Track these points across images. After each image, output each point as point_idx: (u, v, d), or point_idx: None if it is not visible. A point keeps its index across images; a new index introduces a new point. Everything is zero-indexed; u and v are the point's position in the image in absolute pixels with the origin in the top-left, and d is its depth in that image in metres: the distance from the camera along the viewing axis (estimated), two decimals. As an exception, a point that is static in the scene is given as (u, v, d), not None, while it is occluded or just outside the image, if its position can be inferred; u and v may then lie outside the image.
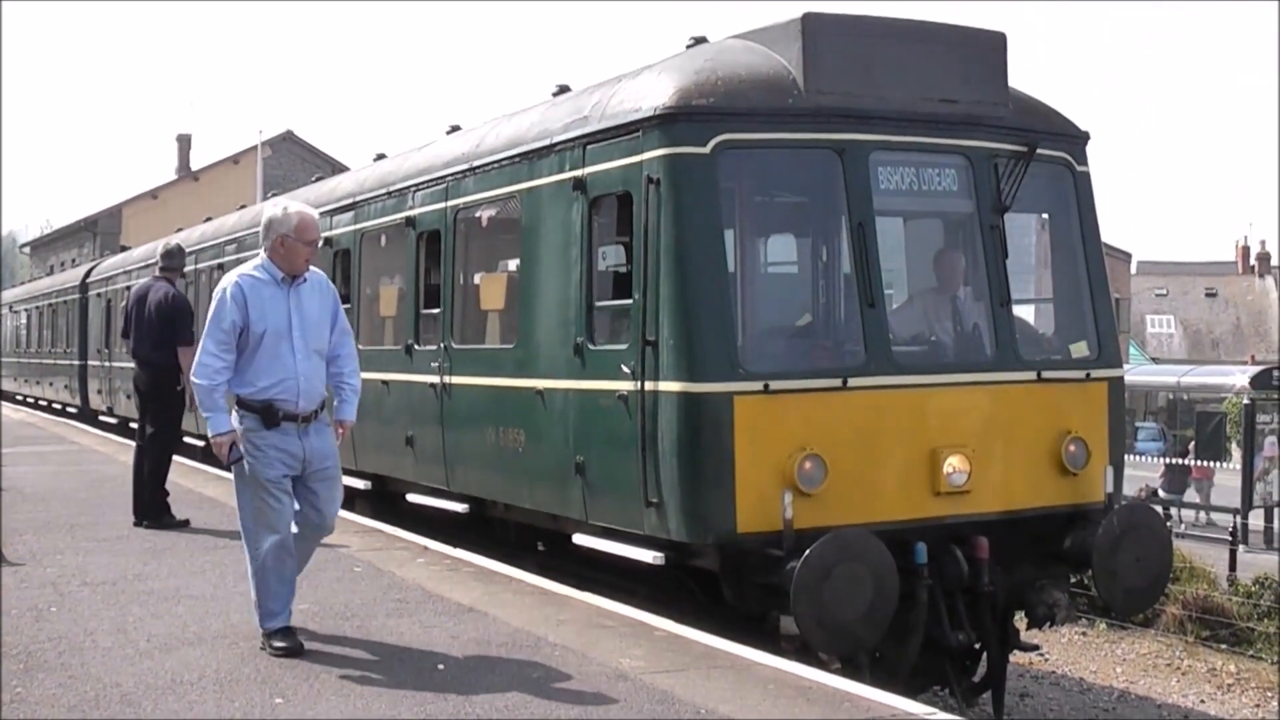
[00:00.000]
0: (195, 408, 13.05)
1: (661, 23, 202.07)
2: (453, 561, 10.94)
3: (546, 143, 10.42)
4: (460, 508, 12.02)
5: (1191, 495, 31.48)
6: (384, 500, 14.06)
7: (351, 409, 7.89)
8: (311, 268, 7.73)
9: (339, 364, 7.81)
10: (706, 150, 8.94)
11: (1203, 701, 15.35)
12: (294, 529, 7.65)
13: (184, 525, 12.64)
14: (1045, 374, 9.82)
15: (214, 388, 7.39)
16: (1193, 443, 33.80)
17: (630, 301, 9.28)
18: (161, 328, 12.77)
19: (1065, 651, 17.17)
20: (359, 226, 14.47)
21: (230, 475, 7.82)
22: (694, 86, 9.10)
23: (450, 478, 12.03)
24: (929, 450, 9.21)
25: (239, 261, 19.57)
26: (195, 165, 56.95)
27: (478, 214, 12.15)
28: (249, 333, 7.42)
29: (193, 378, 7.39)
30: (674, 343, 8.85)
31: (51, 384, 36.12)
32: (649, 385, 8.99)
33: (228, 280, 7.52)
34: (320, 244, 7.47)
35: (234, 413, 7.53)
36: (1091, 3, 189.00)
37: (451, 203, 12.15)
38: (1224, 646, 17.71)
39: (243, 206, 23.69)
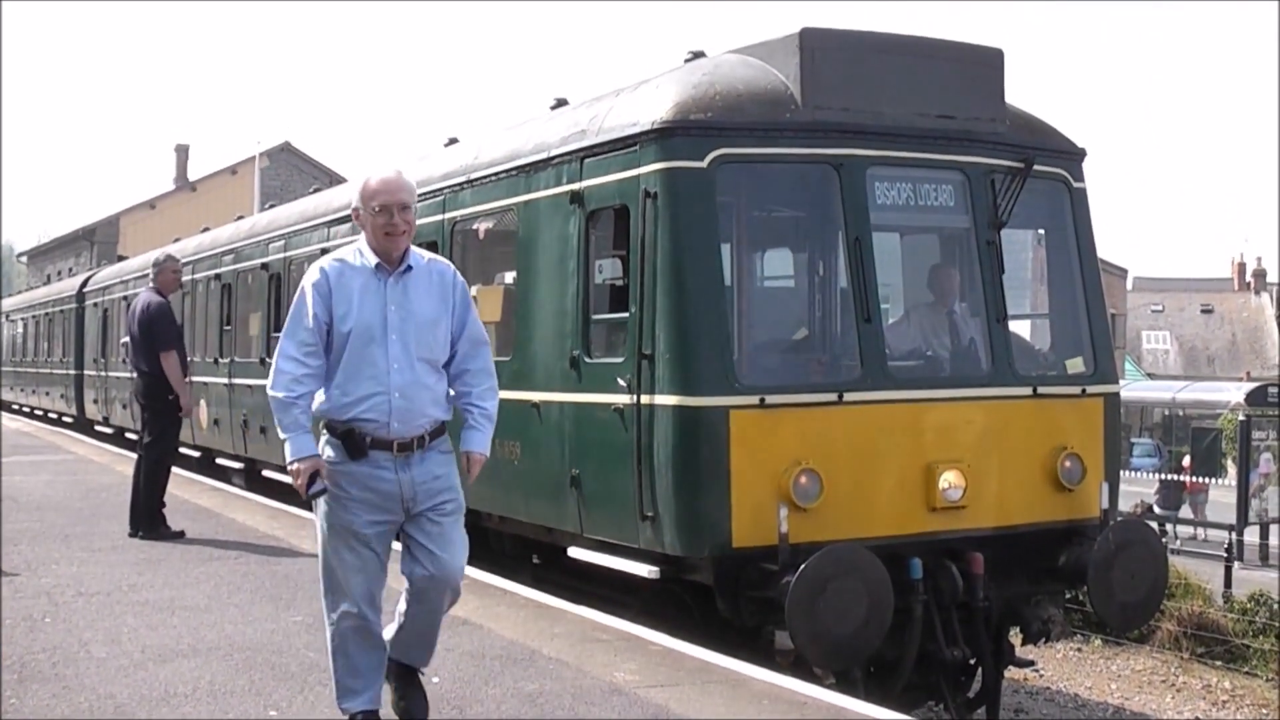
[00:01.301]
0: (188, 415, 13.20)
1: (659, 37, 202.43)
2: (448, 574, 10.91)
3: (544, 156, 10.44)
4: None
5: (1186, 512, 31.50)
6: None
7: (482, 438, 6.06)
8: (432, 255, 6.19)
9: (466, 381, 6.07)
10: (704, 164, 8.95)
11: (1198, 718, 15.34)
12: (406, 590, 6.13)
13: (179, 536, 12.63)
14: (1041, 389, 9.83)
15: (291, 401, 5.80)
16: (1188, 459, 33.82)
17: (627, 315, 9.29)
18: (143, 337, 12.81)
19: (1060, 667, 17.16)
20: (357, 238, 14.44)
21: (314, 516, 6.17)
22: (691, 101, 9.11)
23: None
24: (924, 465, 9.21)
25: (237, 273, 19.78)
26: (193, 175, 56.99)
27: (475, 226, 12.15)
28: (333, 332, 5.86)
29: (269, 389, 5.85)
30: (670, 356, 8.86)
31: (47, 393, 36.11)
32: (645, 399, 9.00)
33: (315, 266, 6.03)
34: (407, 210, 5.83)
35: (323, 441, 5.98)
36: (1089, 19, 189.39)
37: (449, 215, 12.16)
38: (1219, 663, 17.70)
39: (240, 217, 23.70)
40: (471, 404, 6.09)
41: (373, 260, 5.92)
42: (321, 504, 5.89)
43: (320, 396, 5.88)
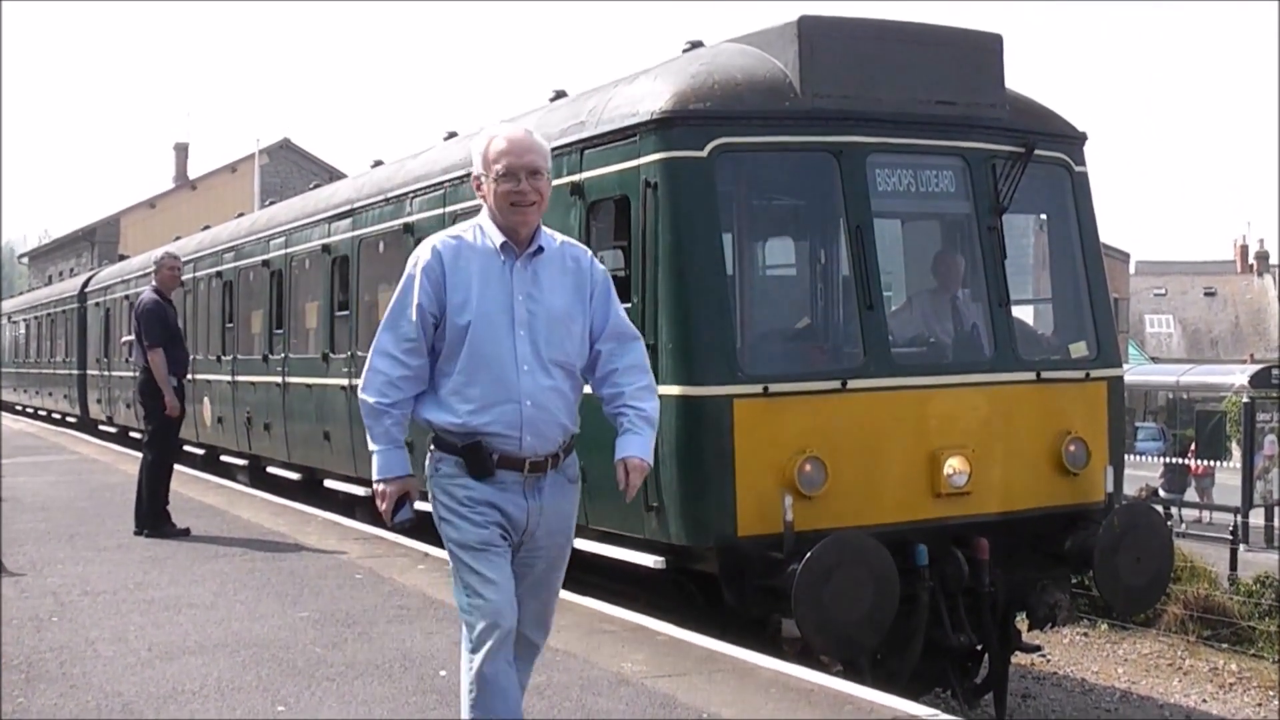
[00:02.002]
0: (172, 415, 13.18)
1: (657, 27, 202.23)
2: (453, 567, 10.92)
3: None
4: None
5: (1192, 494, 31.48)
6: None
7: (643, 443, 5.03)
8: (566, 237, 5.14)
9: (616, 381, 5.06)
10: (704, 154, 8.94)
11: (1205, 701, 15.34)
12: None
13: (185, 534, 12.64)
14: (1045, 374, 9.81)
15: (384, 409, 4.85)
16: (1193, 443, 33.81)
17: (629, 305, 9.25)
18: (137, 335, 12.88)
19: (1067, 652, 17.16)
20: (357, 233, 14.47)
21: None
22: (690, 90, 9.10)
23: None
24: (929, 451, 9.20)
25: (238, 271, 19.77)
26: (193, 174, 56.96)
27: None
28: (446, 324, 4.83)
29: (361, 394, 4.89)
30: (673, 346, 8.85)
31: (51, 394, 36.14)
32: (648, 389, 8.97)
33: (424, 246, 4.97)
34: (525, 175, 4.79)
35: (430, 457, 4.95)
36: (1089, 3, 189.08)
37: (450, 209, 12.14)
38: (1225, 646, 17.70)
39: (240, 214, 23.70)
40: (626, 406, 5.06)
41: (497, 239, 4.86)
42: (447, 528, 4.88)
43: (427, 403, 4.92)
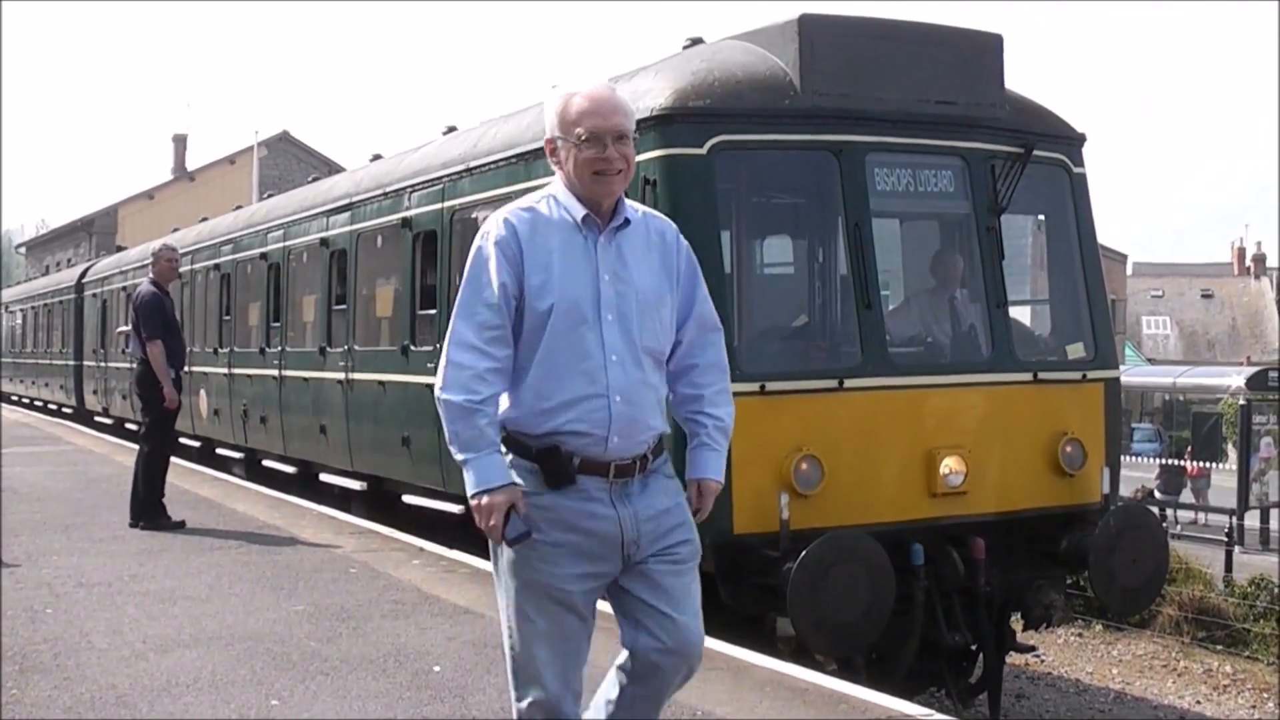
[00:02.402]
0: (171, 407, 13.20)
1: (658, 24, 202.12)
2: (449, 563, 10.94)
3: (543, 143, 10.39)
4: (456, 509, 12.00)
5: (1187, 496, 31.50)
6: (380, 501, 14.05)
7: (719, 460, 4.53)
8: (644, 207, 4.49)
9: (694, 380, 4.50)
10: (703, 151, 8.93)
11: (1199, 703, 15.35)
12: (622, 665, 4.43)
13: (180, 526, 12.64)
14: (1041, 375, 9.82)
15: (473, 407, 4.12)
16: (1189, 444, 33.83)
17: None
18: (134, 326, 12.89)
19: (1061, 653, 17.17)
20: (355, 227, 14.46)
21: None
22: (690, 88, 9.09)
23: (447, 479, 12.00)
24: (925, 451, 9.20)
25: (236, 263, 19.77)
26: (191, 166, 56.94)
27: (474, 215, 12.12)
28: (525, 310, 4.22)
29: (440, 393, 4.18)
30: (670, 344, 8.83)
31: (47, 384, 36.12)
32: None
33: (492, 220, 4.34)
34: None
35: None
36: (1089, 3, 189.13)
37: (448, 203, 12.14)
38: (1220, 647, 17.70)
39: (238, 207, 23.68)
40: (702, 413, 4.49)
41: (578, 211, 4.26)
42: (506, 552, 4.20)
43: (503, 401, 4.25)
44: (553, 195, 4.33)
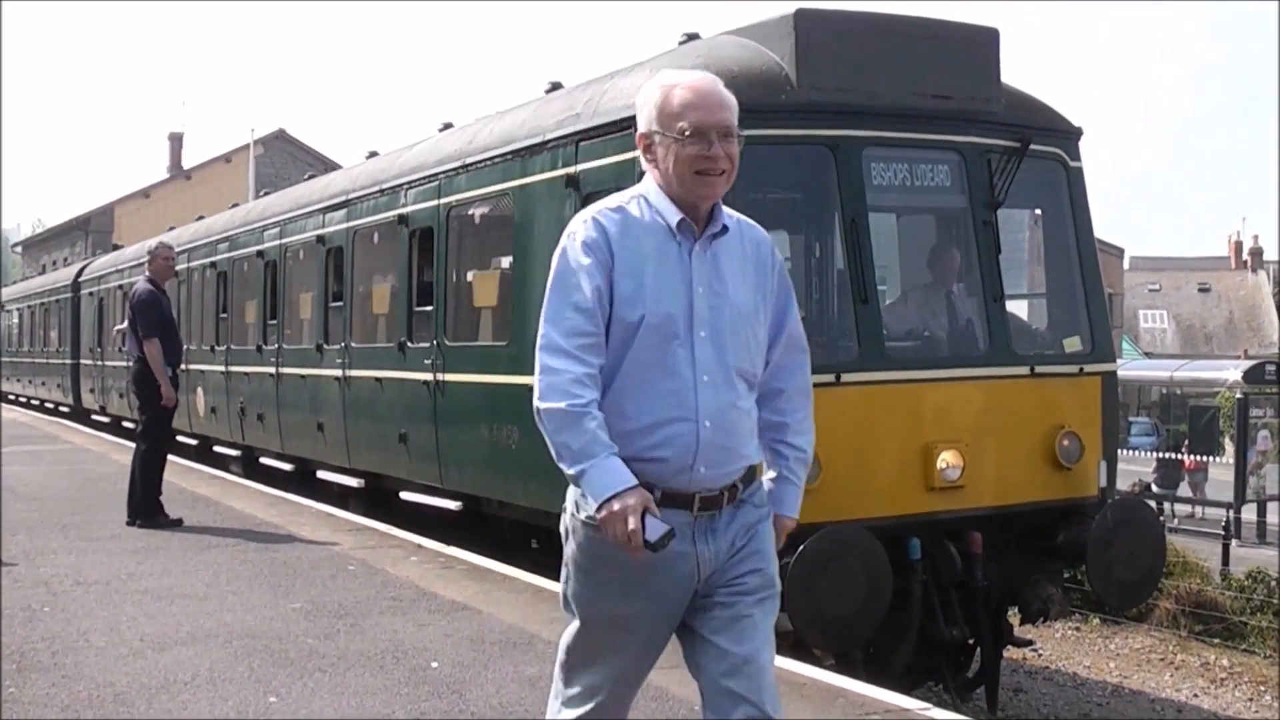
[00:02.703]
0: (169, 405, 13.20)
1: (654, 21, 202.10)
2: (446, 559, 10.94)
3: (539, 140, 10.41)
4: (454, 505, 12.01)
5: (1184, 490, 31.53)
6: (377, 498, 14.05)
7: (796, 496, 4.19)
8: (741, 216, 4.10)
9: (780, 406, 4.15)
10: (699, 146, 8.91)
11: (1196, 696, 15.36)
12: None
13: (177, 524, 12.64)
14: (1038, 368, 9.82)
15: (579, 411, 3.74)
16: (1186, 438, 33.87)
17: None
18: (131, 324, 12.89)
19: (1059, 646, 17.18)
20: (352, 224, 14.46)
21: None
22: (686, 83, 9.07)
23: (444, 475, 12.02)
24: (922, 445, 9.21)
25: (232, 261, 19.77)
26: (187, 164, 56.94)
27: (470, 211, 12.14)
28: (612, 319, 3.84)
29: (539, 404, 3.83)
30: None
31: (44, 383, 36.11)
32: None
33: (578, 220, 3.94)
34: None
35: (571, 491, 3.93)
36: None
37: (444, 200, 12.14)
38: (1217, 641, 17.72)
39: (235, 205, 23.68)
40: (785, 442, 4.16)
41: (672, 214, 3.88)
42: (573, 582, 3.91)
43: None
44: (643, 196, 3.93)
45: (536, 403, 3.82)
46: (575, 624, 3.94)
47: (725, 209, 3.99)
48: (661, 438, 3.77)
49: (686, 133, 3.83)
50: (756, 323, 3.94)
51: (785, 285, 4.10)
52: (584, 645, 3.94)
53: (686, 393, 3.79)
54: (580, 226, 3.88)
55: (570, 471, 3.73)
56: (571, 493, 3.89)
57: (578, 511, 3.86)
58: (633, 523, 3.60)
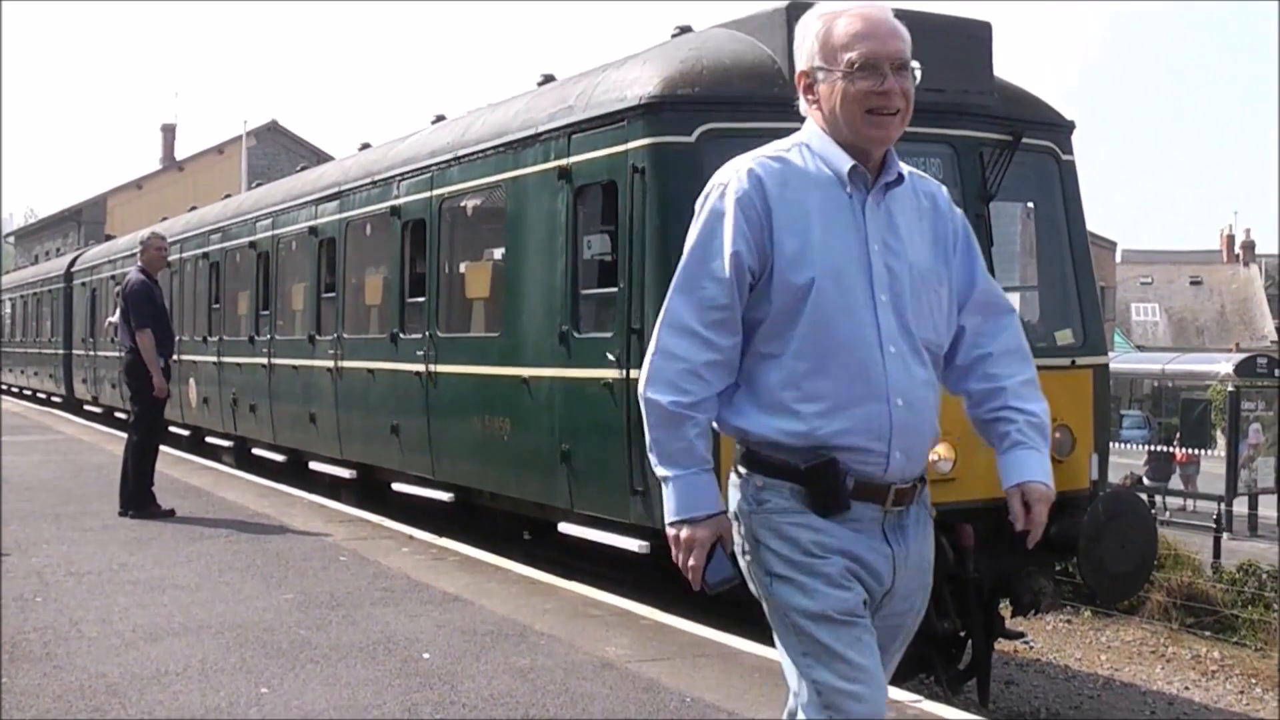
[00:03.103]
0: (161, 396, 13.19)
1: (646, 13, 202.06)
2: (438, 550, 10.95)
3: (532, 132, 10.41)
4: (446, 496, 12.02)
5: (1176, 482, 31.57)
6: (369, 489, 14.06)
7: (1041, 461, 3.67)
8: (910, 169, 3.55)
9: (989, 371, 3.58)
10: (691, 139, 8.93)
11: (1187, 688, 15.41)
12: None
13: (170, 515, 12.63)
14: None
15: (683, 411, 3.32)
16: (1178, 431, 33.90)
17: (616, 290, 9.28)
18: (123, 315, 12.88)
19: (1050, 639, 17.22)
20: (344, 215, 14.45)
21: None
22: (679, 76, 9.09)
23: (436, 466, 12.02)
24: (914, 438, 9.19)
25: (225, 252, 19.75)
26: (180, 155, 56.84)
27: (463, 203, 12.13)
28: (773, 284, 3.31)
29: (646, 391, 3.35)
30: (659, 332, 8.84)
31: (36, 373, 36.08)
32: (634, 373, 8.97)
33: (729, 169, 3.46)
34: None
35: (735, 476, 3.48)
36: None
37: (436, 192, 12.13)
38: (1208, 633, 17.77)
39: (227, 196, 23.65)
40: (1007, 407, 3.58)
41: (841, 161, 3.37)
42: (787, 590, 3.32)
43: (740, 403, 3.40)
44: (804, 143, 3.45)
45: (641, 388, 3.38)
46: (791, 648, 3.34)
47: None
48: (852, 421, 3.28)
49: (855, 66, 3.34)
50: (940, 285, 3.47)
51: (970, 242, 3.62)
52: (831, 664, 3.28)
53: (874, 367, 3.29)
54: (732, 176, 3.39)
55: (658, 472, 3.39)
56: (742, 488, 3.43)
57: (759, 507, 3.36)
58: (695, 559, 3.30)
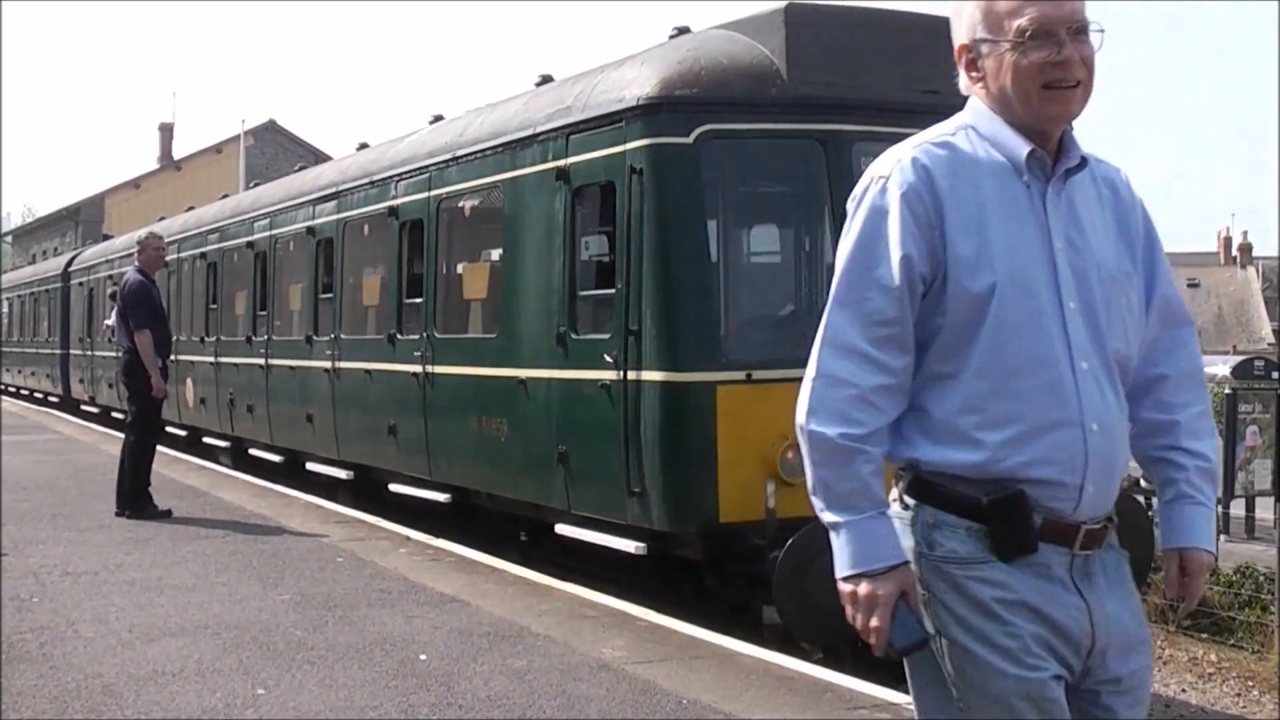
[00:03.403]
0: (159, 396, 13.17)
1: (645, 13, 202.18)
2: (435, 551, 10.95)
3: (529, 133, 10.41)
4: (442, 497, 12.02)
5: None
6: (366, 490, 14.06)
7: (1206, 524, 3.04)
8: (1093, 155, 3.03)
9: (1165, 396, 3.07)
10: (689, 140, 8.94)
11: (1184, 691, 15.41)
12: None
13: (166, 515, 12.62)
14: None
15: (854, 446, 2.82)
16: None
17: (613, 291, 9.28)
18: (121, 315, 12.88)
19: (1047, 640, 17.20)
20: (342, 216, 14.45)
21: None
22: (677, 76, 9.09)
23: (432, 467, 12.02)
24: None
25: (222, 252, 19.75)
26: (178, 155, 56.79)
27: (460, 204, 12.13)
28: (947, 291, 2.84)
29: (809, 424, 2.87)
30: (656, 332, 8.85)
31: (33, 373, 36.06)
32: (631, 375, 8.99)
33: (890, 159, 2.96)
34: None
35: (900, 506, 2.93)
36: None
37: (434, 192, 12.13)
38: (1205, 636, 17.76)
39: (225, 195, 23.65)
40: (1179, 448, 3.05)
41: (1017, 146, 2.88)
42: (963, 654, 2.79)
43: (908, 429, 2.91)
44: (970, 125, 2.96)
45: (801, 418, 2.90)
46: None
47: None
48: (1043, 450, 2.80)
49: (1027, 33, 2.83)
50: (1130, 288, 2.96)
51: (1154, 236, 3.12)
52: None
53: (1065, 387, 2.81)
54: (894, 168, 2.91)
55: (824, 518, 2.89)
56: (912, 525, 2.89)
57: (930, 550, 2.84)
58: (879, 619, 2.76)
